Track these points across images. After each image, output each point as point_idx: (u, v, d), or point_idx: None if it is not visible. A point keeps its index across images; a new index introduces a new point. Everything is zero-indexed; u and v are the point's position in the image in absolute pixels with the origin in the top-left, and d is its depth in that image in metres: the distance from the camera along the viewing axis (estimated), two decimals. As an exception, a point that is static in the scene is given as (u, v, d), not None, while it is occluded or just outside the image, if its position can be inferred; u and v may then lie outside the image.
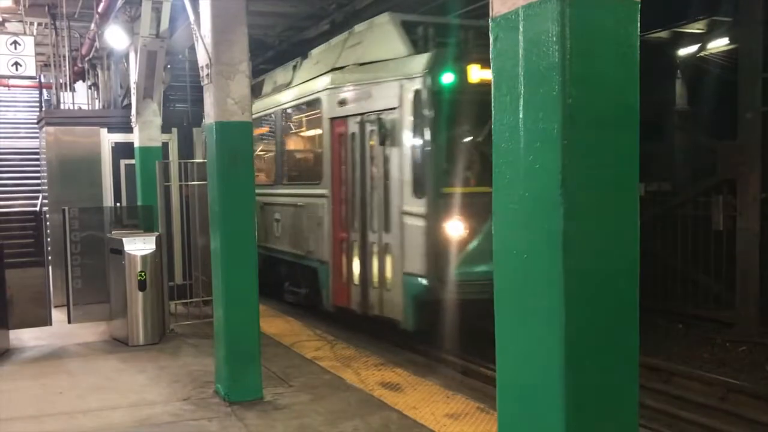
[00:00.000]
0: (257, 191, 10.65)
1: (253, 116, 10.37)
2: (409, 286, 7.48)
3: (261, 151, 11.70)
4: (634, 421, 2.50)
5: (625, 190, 2.44)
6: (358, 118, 8.26)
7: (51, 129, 10.73)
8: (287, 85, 10.55)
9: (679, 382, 7.82)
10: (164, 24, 9.27)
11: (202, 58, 5.83)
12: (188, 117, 11.72)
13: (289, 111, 10.32)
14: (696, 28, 11.76)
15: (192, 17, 6.03)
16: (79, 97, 14.98)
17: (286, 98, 10.33)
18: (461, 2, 9.17)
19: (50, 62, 14.24)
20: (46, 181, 11.15)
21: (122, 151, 10.90)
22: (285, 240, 10.21)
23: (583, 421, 2.37)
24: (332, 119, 8.71)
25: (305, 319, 9.29)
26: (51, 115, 11.47)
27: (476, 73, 7.25)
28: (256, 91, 11.58)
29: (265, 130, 11.42)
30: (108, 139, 10.97)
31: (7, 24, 13.53)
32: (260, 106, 11.11)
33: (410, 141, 7.55)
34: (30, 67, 12.62)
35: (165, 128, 10.64)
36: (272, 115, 10.79)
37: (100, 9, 9.95)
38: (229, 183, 5.76)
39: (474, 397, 5.81)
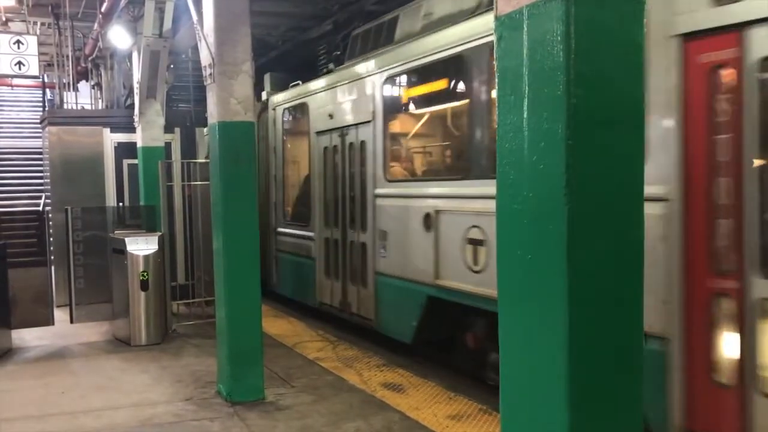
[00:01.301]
0: (408, 191, 7.12)
1: (389, 72, 7.47)
2: None
3: (407, 125, 7.73)
4: (638, 422, 2.49)
5: (631, 190, 2.43)
6: None
7: (54, 129, 10.76)
8: (478, 10, 6.35)
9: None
10: (167, 24, 9.30)
11: (205, 58, 5.82)
12: (191, 117, 11.74)
13: None
14: None
15: (195, 17, 6.03)
16: (82, 97, 15.01)
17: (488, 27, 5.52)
18: None
19: (53, 62, 14.29)
20: (49, 180, 11.17)
21: (125, 150, 10.94)
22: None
23: (587, 422, 2.35)
24: (688, 36, 3.96)
25: (307, 319, 9.29)
26: (54, 115, 11.50)
27: None
28: (383, 37, 8.11)
29: (422, 89, 7.39)
30: (111, 138, 11.01)
31: (10, 23, 13.54)
32: (395, 56, 7.43)
33: None
34: (33, 67, 12.63)
35: (168, 128, 10.68)
36: (444, 62, 6.62)
37: (103, 9, 9.97)
38: (231, 183, 5.76)
39: (477, 399, 5.79)
